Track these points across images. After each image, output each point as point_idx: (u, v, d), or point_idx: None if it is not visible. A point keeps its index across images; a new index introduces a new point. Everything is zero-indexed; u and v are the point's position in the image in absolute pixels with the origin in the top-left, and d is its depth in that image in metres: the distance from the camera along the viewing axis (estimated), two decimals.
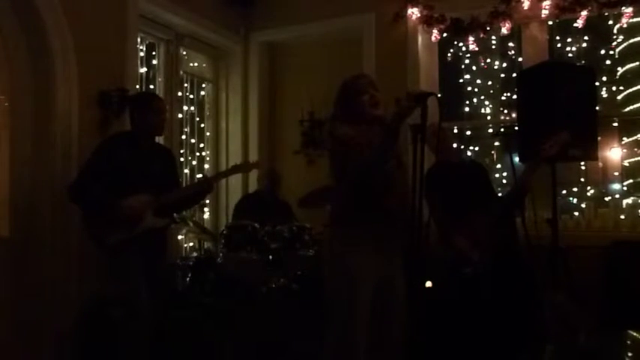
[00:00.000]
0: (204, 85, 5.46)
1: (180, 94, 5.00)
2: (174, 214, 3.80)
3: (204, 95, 5.46)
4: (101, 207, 3.08)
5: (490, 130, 5.17)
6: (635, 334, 2.79)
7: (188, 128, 5.16)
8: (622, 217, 4.30)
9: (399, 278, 2.38)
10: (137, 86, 4.27)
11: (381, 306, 2.34)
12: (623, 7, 4.11)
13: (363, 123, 2.40)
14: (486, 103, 5.29)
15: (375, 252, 2.34)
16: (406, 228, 2.31)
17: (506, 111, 5.15)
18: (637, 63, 4.80)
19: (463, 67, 5.33)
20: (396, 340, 2.36)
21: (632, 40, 4.76)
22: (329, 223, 2.55)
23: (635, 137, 4.80)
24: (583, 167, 4.80)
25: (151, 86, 4.71)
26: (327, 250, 2.45)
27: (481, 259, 3.19)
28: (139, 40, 4.36)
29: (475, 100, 5.31)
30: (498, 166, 5.04)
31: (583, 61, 4.83)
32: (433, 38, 4.73)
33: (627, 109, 4.80)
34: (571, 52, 4.89)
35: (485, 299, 3.13)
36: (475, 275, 3.19)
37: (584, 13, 4.20)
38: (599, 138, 3.35)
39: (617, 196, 4.74)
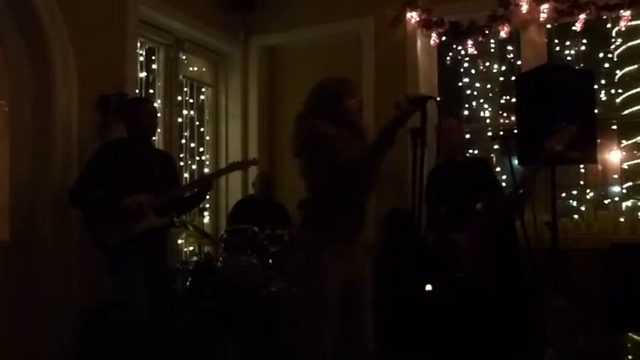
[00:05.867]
0: (203, 90, 5.47)
1: (179, 98, 5.01)
2: (175, 218, 3.79)
3: (203, 99, 5.47)
4: (102, 207, 3.09)
5: (489, 134, 5.18)
6: (635, 336, 2.80)
7: (188, 132, 5.16)
8: (621, 219, 4.31)
9: (368, 281, 2.38)
10: (137, 90, 4.27)
11: (349, 308, 2.30)
12: (622, 11, 4.12)
13: (346, 127, 2.34)
14: (485, 106, 5.30)
15: (347, 254, 2.32)
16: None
17: (505, 114, 5.16)
18: (635, 66, 4.81)
19: (462, 70, 5.34)
20: (364, 342, 2.34)
21: (630, 43, 4.77)
22: (301, 224, 2.49)
23: (634, 140, 4.81)
24: (582, 170, 4.81)
25: (151, 90, 4.72)
26: (299, 250, 2.41)
27: (474, 265, 3.18)
28: (138, 44, 4.37)
29: (474, 103, 5.31)
30: (498, 169, 5.04)
31: (582, 64, 4.83)
32: (432, 42, 4.75)
33: (626, 112, 4.81)
34: (570, 55, 4.89)
35: (480, 302, 3.13)
36: (468, 280, 3.18)
37: (582, 16, 4.22)
38: (598, 141, 3.35)
39: (617, 198, 4.74)
